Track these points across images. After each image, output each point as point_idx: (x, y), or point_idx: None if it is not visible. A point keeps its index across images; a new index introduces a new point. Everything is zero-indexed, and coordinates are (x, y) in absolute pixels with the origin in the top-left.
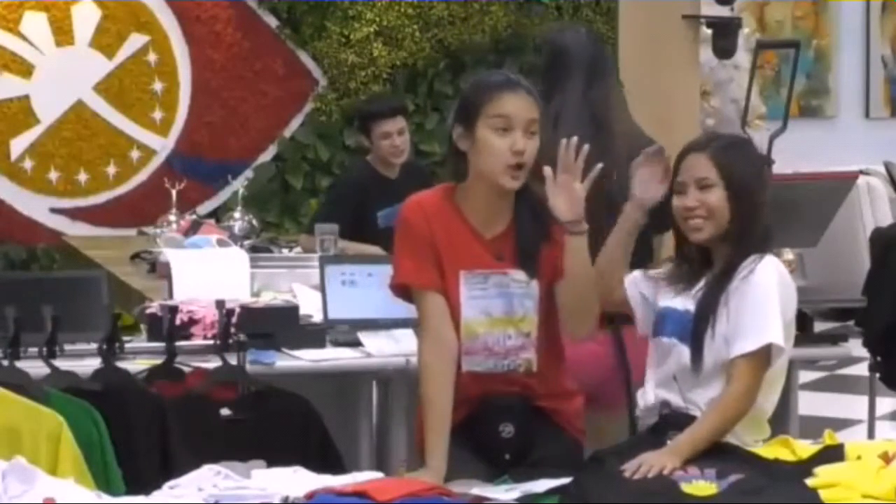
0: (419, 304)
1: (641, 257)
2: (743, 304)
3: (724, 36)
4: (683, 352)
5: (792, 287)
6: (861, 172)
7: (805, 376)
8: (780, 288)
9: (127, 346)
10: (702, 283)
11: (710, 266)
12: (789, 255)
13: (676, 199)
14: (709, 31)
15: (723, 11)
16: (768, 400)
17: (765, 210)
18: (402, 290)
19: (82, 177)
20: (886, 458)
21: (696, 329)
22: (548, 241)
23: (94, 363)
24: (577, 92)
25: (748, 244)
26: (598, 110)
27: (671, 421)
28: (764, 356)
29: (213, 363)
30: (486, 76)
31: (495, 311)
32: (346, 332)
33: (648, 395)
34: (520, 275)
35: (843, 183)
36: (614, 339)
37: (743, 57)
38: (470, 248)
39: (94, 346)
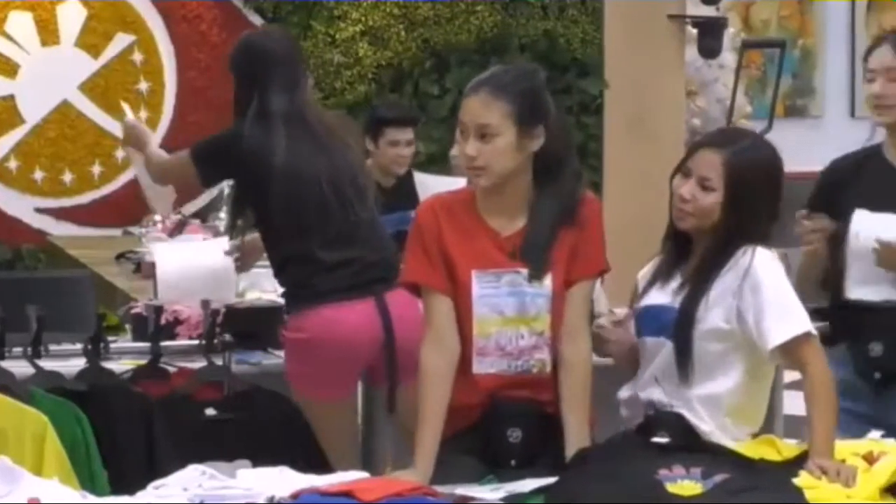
0: (426, 303)
1: None
2: (759, 293)
3: (709, 36)
4: (667, 350)
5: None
6: None
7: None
8: (782, 270)
9: (112, 346)
10: (679, 277)
11: (688, 258)
12: (775, 254)
13: (677, 179)
14: (694, 31)
15: (708, 11)
16: (761, 391)
17: (766, 210)
18: (412, 287)
19: (67, 177)
20: (871, 458)
21: (680, 327)
22: (562, 240)
23: (79, 363)
24: (278, 91)
25: (735, 241)
26: (308, 109)
27: (657, 421)
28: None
29: (198, 363)
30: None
31: (508, 310)
32: None
33: (631, 394)
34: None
35: None
36: None
37: (728, 57)
38: (483, 246)
39: (79, 346)
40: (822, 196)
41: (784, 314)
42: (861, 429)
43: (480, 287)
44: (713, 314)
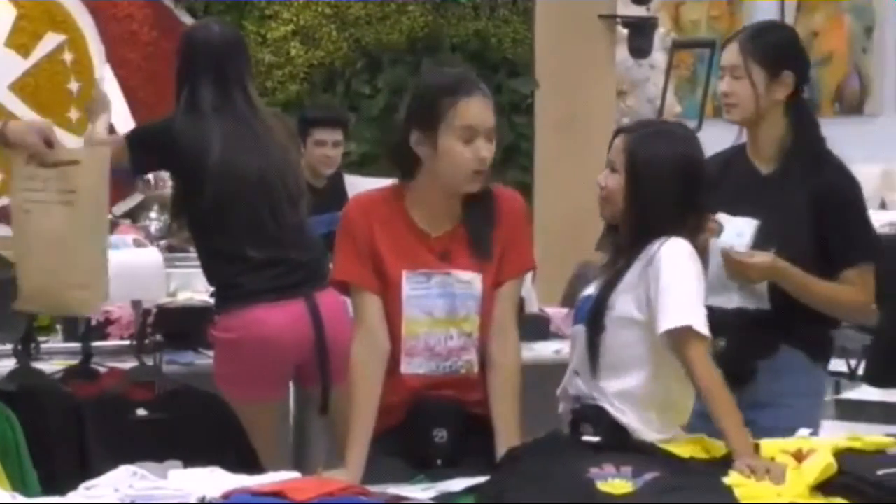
0: (356, 302)
1: None
2: (658, 280)
3: (639, 36)
4: (584, 338)
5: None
6: None
7: None
8: (693, 263)
9: (42, 346)
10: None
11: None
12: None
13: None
14: (625, 31)
15: (639, 11)
16: (682, 386)
17: (675, 200)
18: (341, 286)
19: None
20: (799, 456)
21: (593, 313)
22: (493, 241)
23: (10, 364)
24: (209, 82)
25: (643, 232)
26: (246, 105)
27: (582, 414)
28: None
29: (129, 363)
30: (441, 77)
31: (437, 312)
32: None
33: (563, 387)
34: (463, 275)
35: None
36: None
37: (659, 57)
38: (414, 247)
39: (9, 346)
40: None
41: (673, 304)
42: (711, 427)
43: (411, 287)
44: (625, 301)
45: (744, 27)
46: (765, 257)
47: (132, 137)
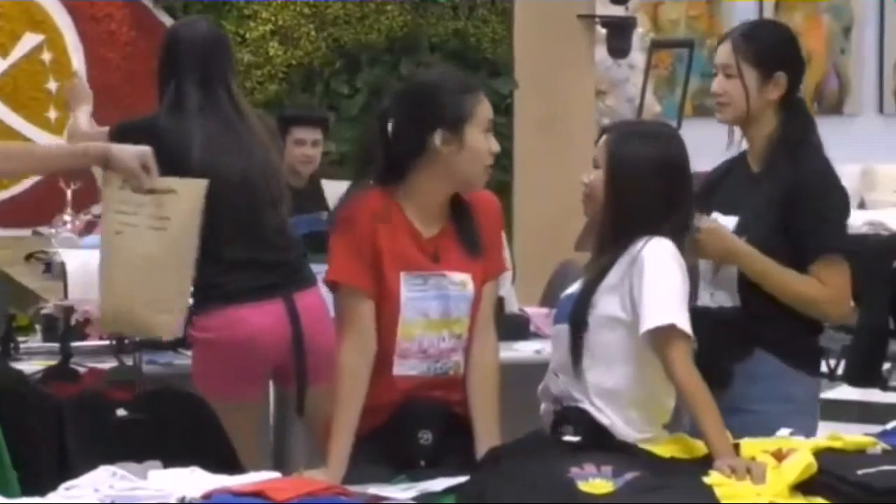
0: (348, 304)
1: None
2: (642, 279)
3: (618, 35)
4: (565, 337)
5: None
6: None
7: None
8: (676, 263)
9: (22, 346)
10: None
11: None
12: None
13: None
14: (604, 31)
15: (617, 11)
16: (663, 384)
17: (655, 199)
18: (335, 286)
19: None
20: (780, 455)
21: (576, 311)
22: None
23: None
24: (194, 81)
25: (624, 230)
26: (230, 104)
27: (563, 416)
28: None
29: (108, 363)
30: (449, 76)
31: (433, 313)
32: None
33: (544, 386)
34: (456, 276)
35: None
36: None
37: (638, 56)
38: (409, 248)
39: None
40: (699, 200)
41: (656, 303)
42: None
43: (408, 290)
44: (608, 300)
45: (739, 24)
46: (711, 223)
47: (116, 132)
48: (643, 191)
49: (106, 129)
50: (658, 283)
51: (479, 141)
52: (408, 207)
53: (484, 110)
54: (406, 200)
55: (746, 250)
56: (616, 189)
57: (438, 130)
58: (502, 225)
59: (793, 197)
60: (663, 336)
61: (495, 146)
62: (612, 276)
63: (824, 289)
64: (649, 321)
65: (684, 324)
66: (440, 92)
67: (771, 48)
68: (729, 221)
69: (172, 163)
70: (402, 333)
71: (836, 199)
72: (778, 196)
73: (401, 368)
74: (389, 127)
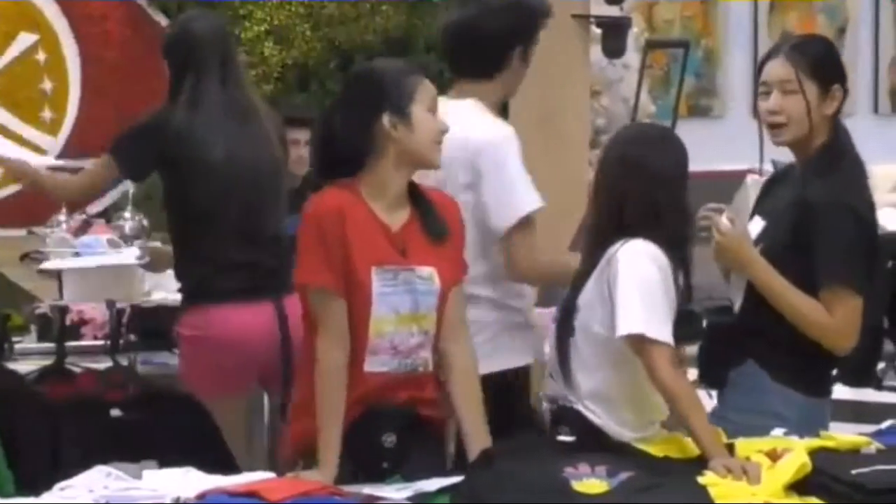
0: (325, 304)
1: None
2: (616, 282)
3: (613, 36)
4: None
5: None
6: (749, 171)
7: (696, 373)
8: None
9: (16, 346)
10: None
11: None
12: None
13: None
14: (598, 31)
15: (612, 11)
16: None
17: (639, 200)
18: (304, 287)
19: None
20: (774, 455)
21: (562, 313)
22: (444, 237)
23: None
24: (214, 76)
25: (610, 232)
26: (242, 99)
27: (559, 416)
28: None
29: (103, 364)
30: (388, 63)
31: (403, 309)
32: None
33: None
34: (423, 270)
35: (731, 182)
36: None
37: (633, 57)
38: (378, 243)
39: None
40: (755, 205)
41: (627, 309)
42: (722, 424)
43: (380, 285)
44: (589, 304)
45: (781, 39)
46: (731, 229)
47: (118, 149)
48: (626, 194)
49: (96, 160)
50: (630, 286)
51: (428, 119)
52: (371, 200)
53: (426, 90)
54: (368, 193)
55: (759, 264)
56: (599, 192)
57: (385, 113)
58: (464, 226)
59: (804, 220)
60: (637, 343)
61: (444, 125)
62: (593, 280)
63: (829, 318)
64: (622, 328)
65: (656, 330)
66: (381, 76)
67: (825, 60)
68: (756, 226)
69: (190, 159)
70: (373, 329)
71: (851, 231)
72: (793, 215)
73: (371, 365)
74: (338, 122)
